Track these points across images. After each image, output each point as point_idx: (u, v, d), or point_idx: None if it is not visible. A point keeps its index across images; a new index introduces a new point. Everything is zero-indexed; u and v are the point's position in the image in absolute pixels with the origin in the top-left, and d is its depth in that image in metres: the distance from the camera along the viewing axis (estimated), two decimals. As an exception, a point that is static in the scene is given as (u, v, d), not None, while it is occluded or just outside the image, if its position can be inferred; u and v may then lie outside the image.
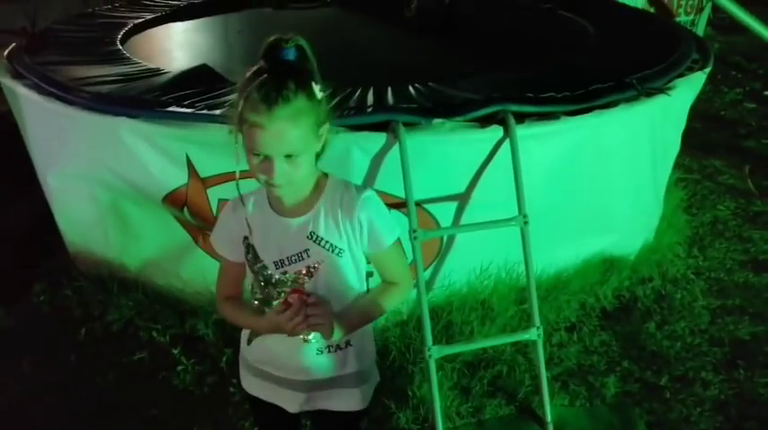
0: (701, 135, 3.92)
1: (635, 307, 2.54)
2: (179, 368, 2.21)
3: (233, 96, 1.18)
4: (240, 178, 1.21)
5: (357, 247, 1.27)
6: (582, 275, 2.51)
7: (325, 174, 1.28)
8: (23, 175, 2.78)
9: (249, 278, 1.32)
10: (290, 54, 1.12)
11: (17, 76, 2.56)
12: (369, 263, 1.36)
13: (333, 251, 1.24)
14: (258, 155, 1.14)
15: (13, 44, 2.91)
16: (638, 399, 2.13)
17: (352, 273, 1.30)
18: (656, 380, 2.20)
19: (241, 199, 1.27)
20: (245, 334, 1.41)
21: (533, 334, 2.05)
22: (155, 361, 2.26)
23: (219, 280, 1.38)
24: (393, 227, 1.31)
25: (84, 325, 2.42)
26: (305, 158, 1.17)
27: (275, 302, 1.26)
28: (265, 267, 1.26)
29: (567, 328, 2.40)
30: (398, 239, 1.33)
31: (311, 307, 1.18)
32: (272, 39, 1.14)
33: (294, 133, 1.12)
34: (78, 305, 2.51)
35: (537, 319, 2.05)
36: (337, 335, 1.24)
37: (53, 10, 4.21)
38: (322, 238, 1.24)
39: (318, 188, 1.25)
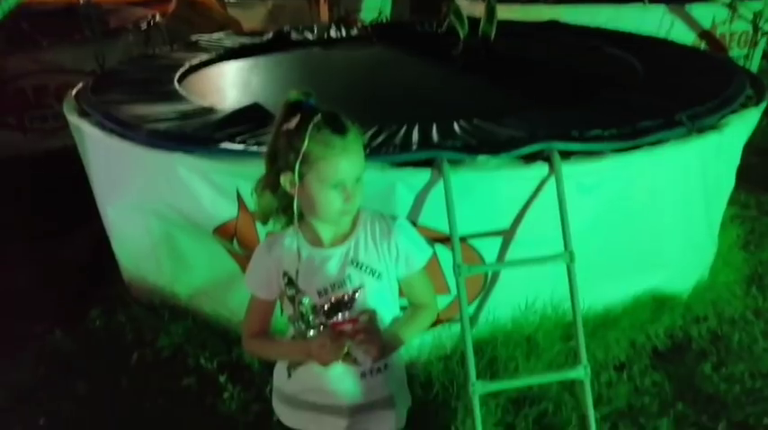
0: (757, 170, 3.78)
1: (689, 347, 2.44)
2: (225, 395, 2.25)
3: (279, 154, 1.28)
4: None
5: (393, 271, 1.35)
6: (631, 313, 2.44)
7: (358, 209, 1.37)
8: (85, 207, 2.92)
9: (287, 312, 1.37)
10: (312, 101, 1.25)
11: (83, 114, 2.72)
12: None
13: (373, 275, 1.33)
14: (336, 187, 1.24)
15: (81, 84, 3.10)
16: (694, 445, 2.04)
17: (390, 297, 1.38)
18: (714, 425, 2.11)
19: (272, 238, 1.35)
20: (281, 369, 1.45)
21: (581, 372, 1.99)
22: (202, 387, 2.31)
23: (249, 318, 1.43)
24: (426, 249, 1.40)
25: (137, 350, 2.50)
26: (362, 184, 1.29)
27: (312, 332, 1.30)
28: (308, 297, 1.31)
29: (616, 367, 2.32)
30: (430, 262, 1.41)
31: (361, 332, 1.23)
32: (290, 98, 1.26)
33: (361, 154, 1.26)
34: (131, 330, 2.60)
35: (584, 357, 2.00)
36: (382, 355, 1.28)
37: (118, 52, 4.48)
38: (362, 263, 1.32)
39: (354, 220, 1.35)
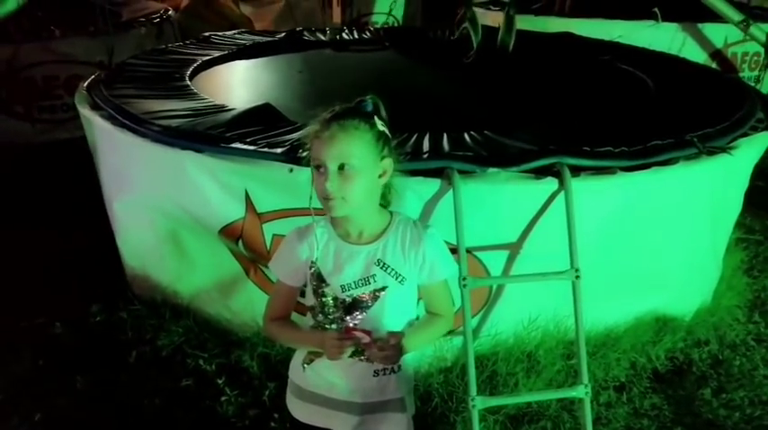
0: (765, 194, 3.78)
1: (689, 371, 2.43)
2: (223, 398, 2.24)
3: (298, 136, 1.38)
4: (304, 214, 1.37)
5: (416, 278, 1.39)
6: (633, 333, 2.43)
7: (391, 212, 1.41)
8: (91, 200, 2.92)
9: (308, 302, 1.41)
10: (368, 106, 1.31)
11: (94, 106, 2.72)
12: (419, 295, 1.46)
13: (397, 278, 1.36)
14: (318, 167, 1.29)
15: (92, 76, 3.10)
16: (691, 470, 2.03)
17: (410, 301, 1.41)
18: (711, 450, 2.10)
19: (301, 231, 1.40)
20: (296, 362, 1.47)
21: (581, 391, 1.99)
22: (200, 389, 2.30)
23: (271, 302, 1.48)
24: (451, 262, 1.44)
25: (136, 347, 2.49)
26: (361, 179, 1.28)
27: (333, 326, 1.36)
28: (331, 290, 1.36)
29: (616, 388, 2.31)
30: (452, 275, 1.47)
31: (385, 345, 1.27)
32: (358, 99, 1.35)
33: (346, 142, 1.26)
34: (132, 328, 2.59)
35: (585, 377, 1.99)
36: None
37: (130, 45, 4.49)
38: (389, 266, 1.35)
39: (386, 221, 1.38)
